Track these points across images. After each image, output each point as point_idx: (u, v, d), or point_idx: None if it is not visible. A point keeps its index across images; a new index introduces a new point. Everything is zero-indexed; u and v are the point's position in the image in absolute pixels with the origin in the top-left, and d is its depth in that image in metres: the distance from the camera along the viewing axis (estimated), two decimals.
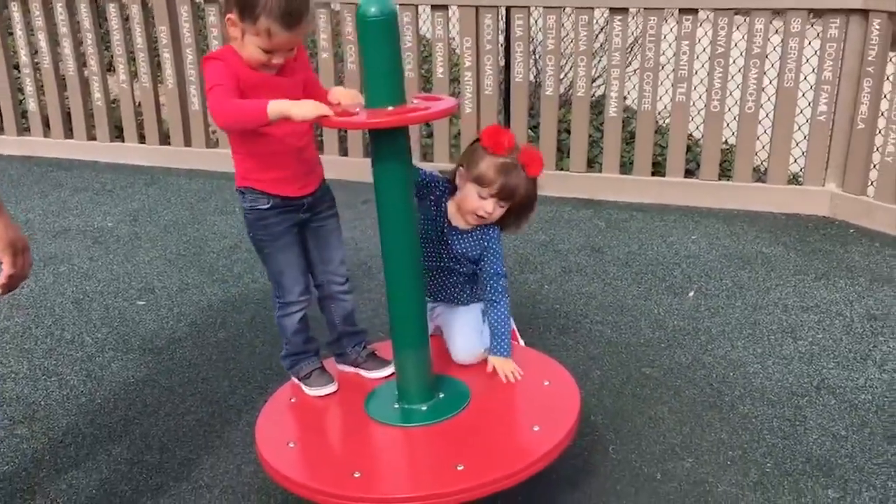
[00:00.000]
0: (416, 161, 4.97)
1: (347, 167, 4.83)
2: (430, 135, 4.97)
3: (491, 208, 2.20)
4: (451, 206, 2.35)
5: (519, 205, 2.26)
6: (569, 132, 4.72)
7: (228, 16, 1.95)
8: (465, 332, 2.37)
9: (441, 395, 2.17)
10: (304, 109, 1.88)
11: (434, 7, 4.61)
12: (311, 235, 2.29)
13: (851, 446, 2.41)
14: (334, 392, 2.26)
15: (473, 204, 2.22)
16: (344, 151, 5.05)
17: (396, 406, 2.16)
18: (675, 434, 2.47)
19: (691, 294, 3.38)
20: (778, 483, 2.24)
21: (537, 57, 5.05)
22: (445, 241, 2.33)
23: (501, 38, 4.77)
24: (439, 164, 4.86)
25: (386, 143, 1.94)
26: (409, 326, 2.12)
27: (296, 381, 2.33)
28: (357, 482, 1.87)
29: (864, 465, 2.33)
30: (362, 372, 2.36)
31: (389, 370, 2.29)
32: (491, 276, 2.34)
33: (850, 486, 2.24)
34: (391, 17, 1.85)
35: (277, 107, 1.88)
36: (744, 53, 4.19)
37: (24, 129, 5.75)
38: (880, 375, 2.77)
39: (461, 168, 2.30)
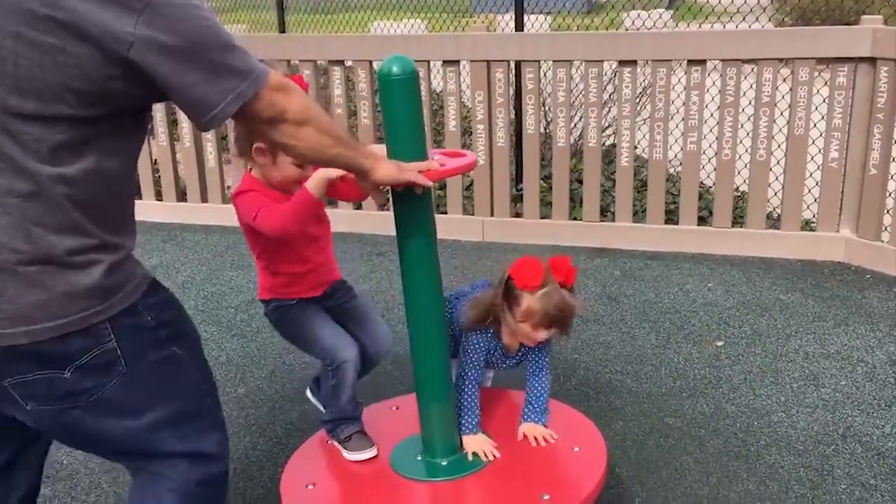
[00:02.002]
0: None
1: (362, 220, 4.88)
2: (443, 187, 5.02)
3: (545, 335, 2.19)
4: (505, 338, 2.30)
5: (567, 317, 2.21)
6: (581, 182, 4.76)
7: (257, 145, 2.03)
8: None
9: (465, 451, 2.15)
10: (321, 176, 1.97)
11: (446, 62, 4.70)
12: (346, 315, 2.36)
13: (881, 495, 2.38)
14: (375, 456, 2.22)
15: (528, 336, 2.20)
16: (358, 205, 5.09)
17: (420, 459, 2.14)
18: (701, 485, 2.44)
19: (720, 343, 3.37)
20: None
21: (548, 109, 5.12)
22: (514, 362, 2.39)
23: (512, 91, 4.84)
24: (453, 216, 4.90)
25: (411, 199, 1.97)
26: (434, 380, 2.12)
27: (335, 444, 2.27)
28: None
29: None
30: (344, 453, 2.26)
31: (371, 454, 2.22)
32: (538, 350, 2.36)
33: None
34: (413, 76, 1.90)
35: (313, 181, 1.97)
36: (753, 102, 4.24)
37: None
38: None
39: (505, 311, 2.20)
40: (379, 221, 4.82)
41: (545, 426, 2.28)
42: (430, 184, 1.89)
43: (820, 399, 2.91)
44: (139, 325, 1.41)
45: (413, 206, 1.99)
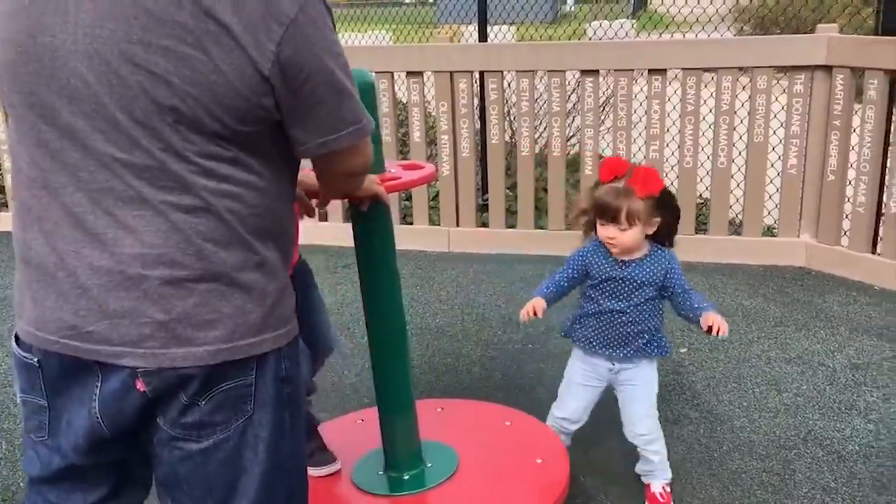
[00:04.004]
0: (395, 223, 4.99)
1: (326, 231, 4.85)
2: (409, 197, 5.01)
3: (610, 232, 2.15)
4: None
5: (612, 208, 2.13)
6: (546, 191, 4.78)
7: None
8: (643, 395, 2.33)
9: (429, 464, 2.14)
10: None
11: (409, 73, 4.70)
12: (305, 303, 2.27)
13: (842, 499, 2.40)
14: (338, 471, 2.20)
15: (601, 234, 2.19)
16: (323, 216, 5.06)
17: (382, 474, 2.13)
18: (609, 440, 2.46)
19: (683, 350, 3.39)
20: None
21: (512, 119, 5.14)
22: (626, 276, 2.22)
23: (476, 102, 4.85)
24: (419, 227, 4.90)
25: (370, 211, 1.95)
26: (395, 392, 2.10)
27: None
28: None
29: None
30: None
31: (334, 468, 2.20)
32: (683, 287, 2.23)
33: None
34: (370, 88, 1.89)
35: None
36: (713, 110, 4.30)
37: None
38: (865, 425, 2.78)
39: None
40: (343, 233, 4.78)
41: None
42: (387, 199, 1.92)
43: (782, 404, 2.94)
44: (276, 373, 1.34)
45: (372, 217, 1.98)
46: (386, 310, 2.05)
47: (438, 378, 3.25)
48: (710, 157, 4.38)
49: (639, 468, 2.44)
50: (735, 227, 4.62)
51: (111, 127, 1.20)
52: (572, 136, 5.18)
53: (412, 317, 3.85)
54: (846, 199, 4.15)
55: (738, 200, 4.58)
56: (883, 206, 4.00)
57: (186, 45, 1.16)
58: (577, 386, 2.40)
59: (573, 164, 4.89)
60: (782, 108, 4.23)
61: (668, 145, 4.51)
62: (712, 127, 4.32)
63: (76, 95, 1.20)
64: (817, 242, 4.24)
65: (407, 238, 4.78)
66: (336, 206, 5.01)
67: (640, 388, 2.33)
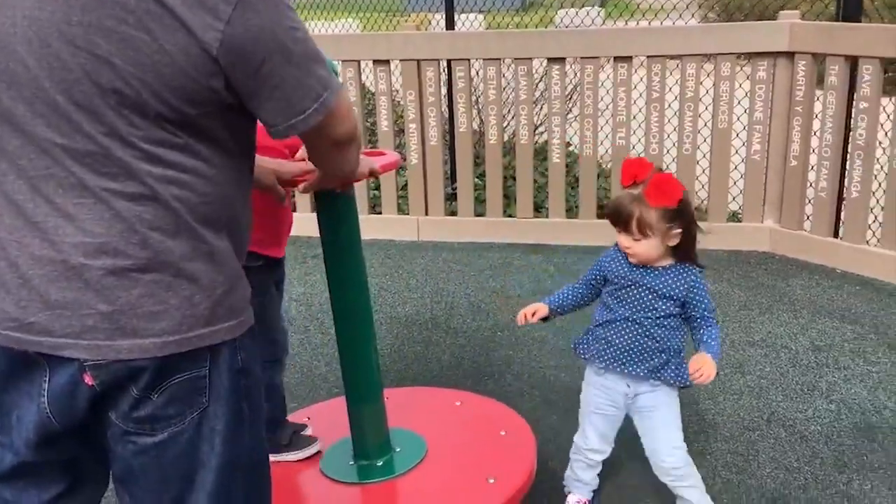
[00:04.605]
0: (364, 213, 4.97)
1: (296, 222, 4.81)
2: (378, 187, 5.00)
3: (624, 241, 2.01)
4: None
5: (621, 214, 1.99)
6: (515, 179, 4.79)
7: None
8: (665, 421, 2.13)
9: (397, 450, 2.15)
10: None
11: (376, 62, 4.68)
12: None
13: (804, 478, 2.45)
14: (318, 452, 2.22)
15: (618, 242, 2.06)
16: (293, 206, 5.03)
17: (352, 462, 2.13)
18: (633, 475, 2.48)
19: None
20: None
21: (480, 107, 5.15)
22: (646, 283, 2.05)
23: (444, 90, 4.85)
24: (388, 216, 4.89)
25: (332, 195, 1.95)
26: (362, 380, 2.11)
27: (275, 456, 2.17)
28: None
29: (816, 496, 2.37)
30: (285, 456, 2.22)
31: (315, 449, 2.22)
32: (703, 313, 2.06)
33: None
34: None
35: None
36: (678, 97, 4.33)
37: None
38: (827, 406, 2.84)
39: None
40: (312, 223, 4.77)
41: (717, 363, 2.01)
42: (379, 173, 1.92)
43: (746, 386, 2.99)
44: (231, 365, 1.32)
45: (338, 205, 1.98)
46: (351, 299, 2.05)
47: (408, 367, 3.26)
48: (676, 145, 4.43)
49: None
50: (701, 213, 4.67)
51: (52, 111, 1.17)
52: (540, 124, 5.20)
53: (381, 306, 3.85)
54: (808, 185, 4.21)
55: (703, 187, 4.63)
56: (844, 190, 4.06)
57: (128, 25, 1.13)
58: (591, 414, 2.22)
59: (541, 153, 4.91)
60: (746, 94, 4.28)
61: (634, 133, 4.54)
62: (677, 114, 4.36)
63: (15, 80, 1.17)
64: (781, 227, 4.31)
65: (376, 227, 4.77)
66: (306, 196, 4.98)
67: (659, 413, 2.12)
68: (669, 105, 4.39)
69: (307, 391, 3.07)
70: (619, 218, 2.00)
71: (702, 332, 2.05)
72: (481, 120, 5.17)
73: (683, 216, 1.99)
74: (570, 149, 5.24)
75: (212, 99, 1.21)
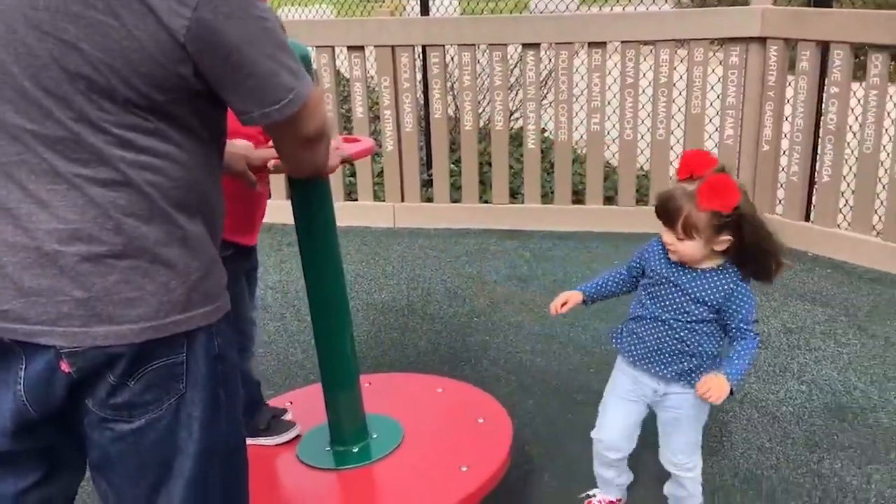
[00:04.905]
0: (340, 200, 4.95)
1: (270, 210, 4.78)
2: (353, 174, 4.98)
3: (667, 238, 1.88)
4: None
5: (669, 210, 1.85)
6: (490, 165, 4.80)
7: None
8: (688, 427, 2.05)
9: (374, 436, 2.16)
10: None
11: (351, 48, 4.65)
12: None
13: (776, 458, 2.49)
14: (298, 435, 2.22)
15: (663, 237, 1.93)
16: (267, 193, 5.00)
17: (328, 448, 2.13)
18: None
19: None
20: (709, 499, 2.29)
21: (455, 93, 5.14)
22: (681, 283, 1.92)
23: (419, 76, 4.83)
24: (363, 203, 4.88)
25: (306, 182, 1.94)
26: (338, 367, 2.10)
27: (253, 440, 2.15)
28: None
29: (788, 475, 2.41)
30: (263, 440, 2.22)
31: (293, 433, 2.22)
32: (738, 324, 1.91)
33: (778, 497, 2.32)
34: (307, 62, 1.86)
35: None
36: (652, 83, 4.35)
37: None
38: (799, 387, 2.88)
39: None
40: (287, 211, 4.74)
41: (733, 390, 1.87)
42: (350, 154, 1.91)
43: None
44: (208, 350, 1.31)
45: (312, 192, 1.97)
46: (327, 285, 2.04)
47: (385, 353, 3.26)
48: (650, 130, 4.45)
49: (667, 490, 2.22)
50: None
51: (20, 97, 1.16)
52: (515, 110, 5.20)
53: (358, 292, 3.84)
54: (780, 169, 4.26)
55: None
56: (815, 174, 4.11)
57: (96, 10, 1.13)
58: (615, 399, 2.11)
59: (516, 139, 4.92)
60: (719, 79, 4.31)
61: (609, 118, 4.56)
62: (651, 100, 4.38)
63: None
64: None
65: (352, 214, 4.76)
66: (281, 184, 4.95)
67: (685, 417, 2.03)
68: (643, 90, 4.41)
69: (283, 378, 3.06)
70: (665, 212, 1.86)
71: (733, 344, 1.91)
72: (456, 106, 5.16)
73: (738, 226, 1.81)
74: (546, 135, 5.24)
75: (180, 85, 1.20)
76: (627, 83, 4.35)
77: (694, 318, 1.90)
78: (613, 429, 2.10)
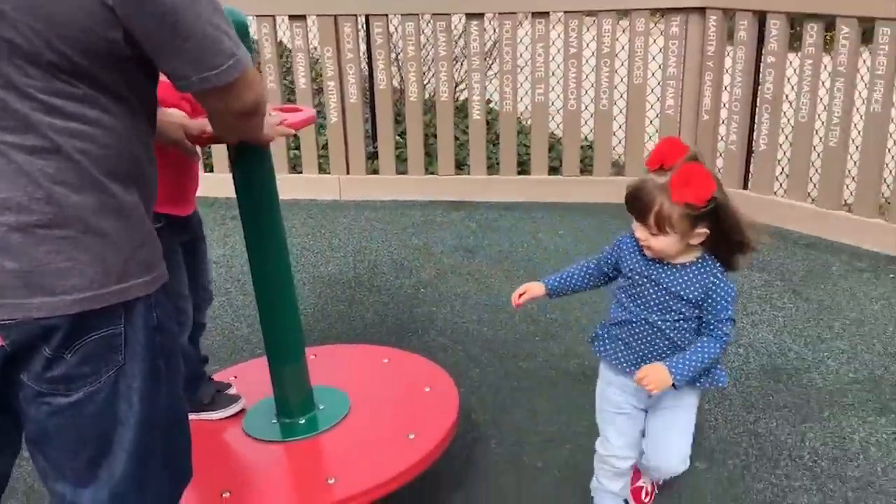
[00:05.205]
0: (284, 172, 4.90)
1: (213, 183, 4.71)
2: (298, 146, 4.92)
3: (640, 233, 1.75)
4: None
5: (639, 201, 1.72)
6: (436, 136, 4.79)
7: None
8: (677, 427, 1.94)
9: (321, 407, 2.16)
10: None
11: (292, 17, 4.58)
12: (188, 259, 2.21)
13: (714, 418, 2.57)
14: (242, 410, 2.21)
15: (635, 232, 1.79)
16: (209, 167, 4.92)
17: (275, 421, 2.13)
18: (553, 423, 2.56)
19: None
20: None
21: (399, 64, 5.10)
22: (660, 280, 1.80)
23: (363, 47, 4.78)
24: (308, 175, 4.83)
25: (247, 156, 1.91)
26: (284, 340, 2.10)
27: (196, 416, 2.14)
28: (224, 502, 1.84)
29: (726, 435, 2.49)
30: (208, 415, 2.20)
31: (238, 407, 2.21)
32: (710, 318, 1.79)
33: (716, 457, 2.39)
34: (244, 30, 1.83)
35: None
36: (595, 53, 4.38)
37: None
38: (736, 350, 2.96)
39: None
40: (231, 184, 4.68)
41: (675, 384, 1.75)
42: (292, 132, 1.90)
43: None
44: (146, 321, 1.29)
45: (253, 164, 1.94)
46: (270, 258, 2.02)
47: (332, 325, 3.26)
48: (594, 100, 4.49)
49: (641, 464, 2.09)
50: (618, 168, 4.77)
51: None
52: (461, 81, 5.19)
53: (304, 265, 3.82)
54: (720, 138, 4.34)
55: (620, 142, 4.72)
56: (753, 143, 4.20)
57: None
58: (612, 414, 1.98)
59: (462, 110, 4.91)
60: (660, 50, 4.36)
61: (553, 89, 4.58)
62: (595, 70, 4.41)
63: None
64: None
65: (297, 187, 4.71)
66: (221, 156, 4.87)
67: (679, 414, 1.92)
68: (587, 61, 4.45)
69: (229, 353, 3.04)
70: (636, 206, 1.72)
71: (699, 338, 1.79)
72: (401, 77, 5.13)
73: (713, 218, 1.70)
74: (491, 105, 5.25)
75: (108, 50, 1.18)
76: (571, 53, 4.37)
77: (680, 315, 1.79)
78: (619, 444, 1.98)
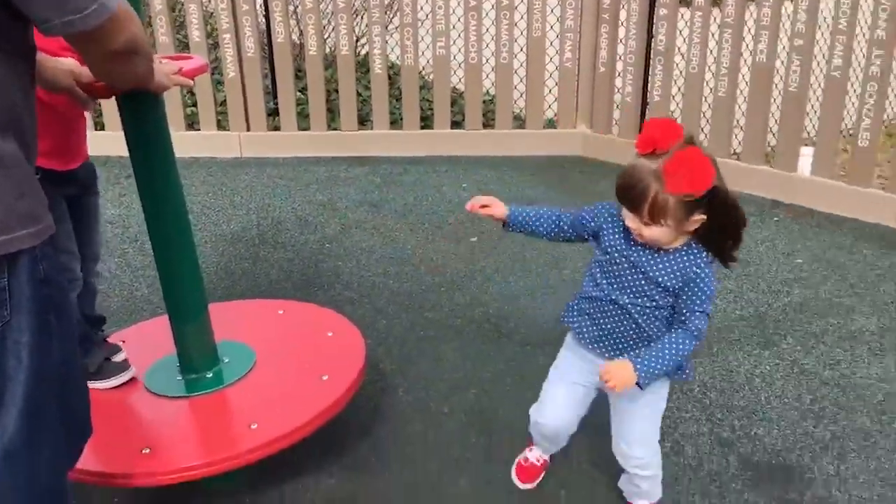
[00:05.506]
0: (181, 130, 4.75)
1: (107, 142, 4.53)
2: (195, 103, 4.77)
3: (631, 223, 1.59)
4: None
5: (633, 192, 1.55)
6: (338, 92, 4.72)
7: None
8: (643, 413, 1.81)
9: (226, 360, 2.15)
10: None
11: None
12: (75, 215, 2.12)
13: None
14: (132, 378, 2.16)
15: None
16: (101, 125, 4.73)
17: (179, 378, 2.11)
18: (458, 370, 2.61)
19: (474, 239, 3.56)
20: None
21: (298, 16, 4.99)
22: (639, 264, 1.66)
23: None
24: (206, 132, 4.70)
25: (137, 109, 1.86)
26: (184, 298, 2.07)
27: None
28: (145, 458, 1.82)
29: None
30: (93, 384, 2.11)
31: (126, 377, 2.17)
32: (684, 310, 1.65)
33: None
34: None
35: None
36: (495, 6, 4.40)
37: None
38: None
39: None
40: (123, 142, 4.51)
41: (640, 384, 1.61)
42: (191, 83, 1.86)
43: (561, 281, 3.19)
44: (32, 274, 1.23)
45: (143, 118, 1.88)
46: (167, 215, 1.98)
47: (235, 283, 3.22)
48: (494, 54, 4.51)
49: (622, 484, 2.00)
50: (520, 122, 4.83)
51: None
52: (362, 35, 5.12)
53: (205, 224, 3.74)
54: (616, 90, 4.45)
55: (521, 95, 4.78)
56: (647, 95, 4.33)
57: None
58: (559, 380, 1.86)
59: (364, 65, 4.86)
60: (558, 2, 4.41)
61: (454, 42, 4.58)
62: (494, 23, 4.43)
63: None
64: (592, 132, 4.55)
65: (195, 145, 4.59)
66: (114, 113, 4.68)
67: (643, 403, 1.78)
68: (487, 14, 4.46)
69: (129, 314, 2.96)
70: (628, 196, 1.57)
71: (670, 330, 1.67)
72: (300, 30, 5.02)
73: (710, 205, 1.56)
74: (393, 60, 5.21)
75: None
76: (471, 6, 4.37)
77: (653, 302, 1.66)
78: (553, 415, 1.88)
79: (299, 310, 2.48)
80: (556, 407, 1.87)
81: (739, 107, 4.15)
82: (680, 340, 1.63)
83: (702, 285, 1.62)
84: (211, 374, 2.11)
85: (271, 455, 1.88)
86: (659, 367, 1.61)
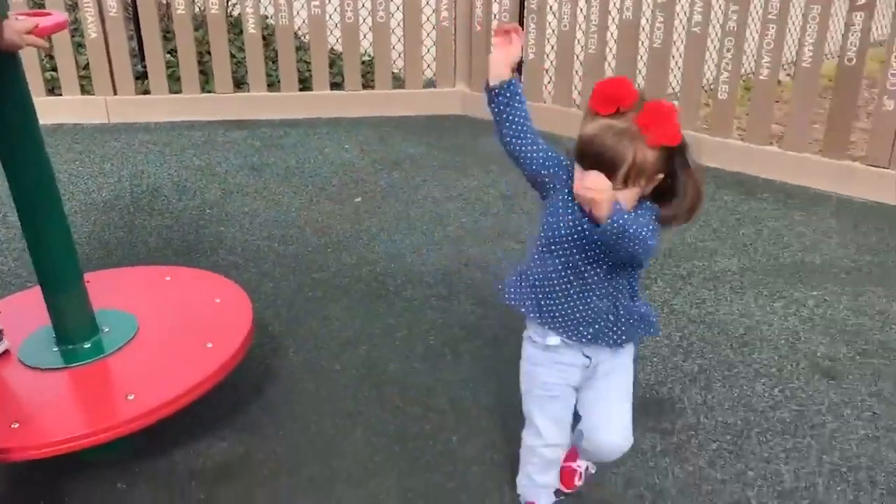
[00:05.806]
0: (41, 95, 4.50)
1: None
2: (55, 67, 4.52)
3: (590, 184, 1.42)
4: None
5: (600, 154, 1.44)
6: (210, 53, 4.58)
7: None
8: (614, 394, 1.70)
9: (106, 330, 2.08)
10: None
11: None
12: None
13: (492, 308, 2.76)
14: (6, 350, 2.06)
15: (576, 184, 1.47)
16: None
17: (55, 349, 2.03)
18: (348, 328, 2.63)
19: (358, 199, 3.55)
20: (440, 352, 2.50)
21: None
22: (583, 237, 1.54)
23: None
24: (70, 97, 4.47)
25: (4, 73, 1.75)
26: (56, 268, 1.99)
27: None
28: (15, 432, 1.76)
29: (508, 322, 2.69)
30: None
31: (1, 348, 2.08)
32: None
33: (498, 341, 2.58)
34: None
35: None
36: None
37: None
38: (515, 245, 3.18)
39: None
40: None
41: (613, 217, 1.41)
42: (46, 44, 1.77)
43: (446, 237, 3.25)
44: None
45: (3, 79, 1.78)
46: (31, 183, 1.89)
47: (110, 253, 3.10)
48: (371, 13, 4.48)
49: (581, 447, 1.83)
50: (399, 82, 4.83)
51: None
52: None
53: (74, 193, 3.58)
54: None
55: (399, 56, 4.77)
56: (523, 53, 4.41)
57: None
58: (540, 399, 1.72)
59: (237, 25, 4.72)
60: None
61: (330, 2, 4.52)
62: None
63: None
64: (471, 91, 4.60)
65: (58, 111, 4.36)
66: None
67: (616, 378, 1.69)
68: None
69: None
70: (601, 160, 1.43)
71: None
72: None
73: (677, 159, 1.48)
74: (267, 20, 5.08)
75: None
76: None
77: (608, 267, 1.56)
78: (550, 432, 1.74)
79: (187, 276, 2.43)
80: (553, 424, 1.73)
81: (609, 63, 4.30)
82: (644, 221, 1.49)
83: (642, 220, 1.49)
84: (89, 345, 2.04)
85: (151, 425, 1.84)
86: (627, 218, 1.43)
